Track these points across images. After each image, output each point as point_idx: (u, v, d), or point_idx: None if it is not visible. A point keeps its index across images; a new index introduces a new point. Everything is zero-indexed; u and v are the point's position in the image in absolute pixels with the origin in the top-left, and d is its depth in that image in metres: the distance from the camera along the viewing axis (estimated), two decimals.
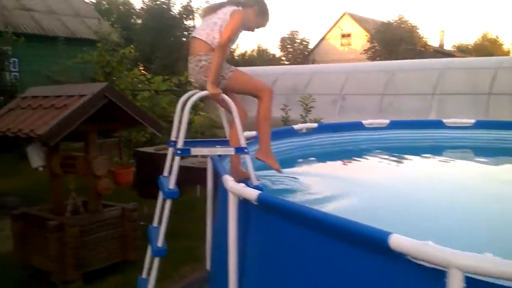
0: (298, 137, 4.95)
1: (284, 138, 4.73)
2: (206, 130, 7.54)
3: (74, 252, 4.36)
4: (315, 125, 5.12)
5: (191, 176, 6.18)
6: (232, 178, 2.34)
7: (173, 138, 3.21)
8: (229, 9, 3.26)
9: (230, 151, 3.06)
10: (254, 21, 3.39)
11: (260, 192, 1.83)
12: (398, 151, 5.22)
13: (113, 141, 9.08)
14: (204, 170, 5.55)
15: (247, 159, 2.99)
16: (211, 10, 3.36)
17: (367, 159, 5.12)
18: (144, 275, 3.49)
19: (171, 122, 3.45)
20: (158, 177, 3.27)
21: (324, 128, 5.18)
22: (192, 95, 3.19)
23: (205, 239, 4.98)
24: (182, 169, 6.18)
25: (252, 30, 3.44)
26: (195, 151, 2.97)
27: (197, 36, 3.28)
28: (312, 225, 1.74)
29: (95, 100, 4.27)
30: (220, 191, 3.02)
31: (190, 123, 8.22)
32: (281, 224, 1.92)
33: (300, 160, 4.97)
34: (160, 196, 3.19)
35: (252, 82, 3.37)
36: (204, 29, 3.27)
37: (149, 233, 3.25)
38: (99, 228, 4.64)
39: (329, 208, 2.99)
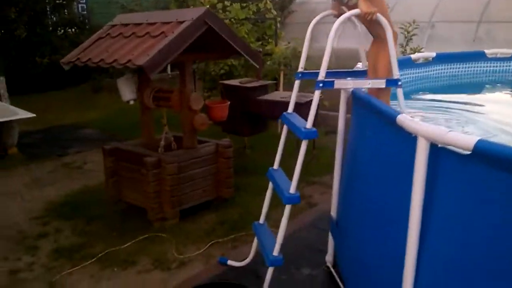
0: (414, 68, 4.40)
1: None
2: (291, 62, 7.05)
3: (171, 189, 4.19)
4: (433, 54, 4.52)
5: (275, 111, 5.82)
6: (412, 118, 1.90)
7: (300, 68, 2.81)
8: None
9: (381, 83, 2.62)
10: None
11: (478, 138, 1.40)
12: None
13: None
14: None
15: (399, 93, 2.54)
16: None
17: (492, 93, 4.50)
18: (261, 221, 3.24)
19: None
20: (282, 115, 2.91)
21: (441, 58, 4.55)
22: (323, 17, 2.73)
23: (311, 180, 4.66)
24: (266, 103, 5.88)
25: None
26: (339, 83, 2.56)
27: None
28: None
29: (195, 27, 3.88)
30: (365, 133, 2.62)
31: (270, 54, 7.76)
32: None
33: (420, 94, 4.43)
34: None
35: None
36: None
37: (271, 177, 2.95)
38: (194, 164, 4.43)
39: None
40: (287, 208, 2.75)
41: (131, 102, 4.64)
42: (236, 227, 4.29)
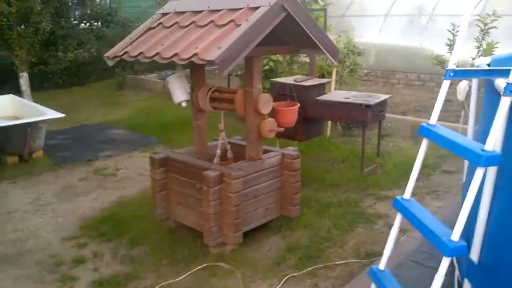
0: None
1: None
2: (346, 57, 6.31)
3: (236, 209, 3.49)
4: None
5: (337, 114, 5.11)
6: None
7: (453, 65, 2.09)
8: None
9: None
10: None
11: None
12: None
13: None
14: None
15: None
16: None
17: None
18: (382, 266, 2.50)
19: None
20: (421, 126, 2.18)
21: None
22: None
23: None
24: (328, 105, 5.15)
25: None
26: None
27: None
28: None
29: (273, 14, 3.17)
30: None
31: None
32: None
33: None
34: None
35: None
36: None
37: (404, 210, 2.20)
38: (259, 178, 3.73)
39: None
40: (445, 261, 1.85)
41: (184, 104, 3.95)
42: (310, 256, 3.57)
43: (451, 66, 2.08)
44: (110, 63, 3.77)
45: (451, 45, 5.90)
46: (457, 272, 2.80)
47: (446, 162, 5.58)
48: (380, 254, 3.48)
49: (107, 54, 3.72)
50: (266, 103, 3.56)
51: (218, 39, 3.09)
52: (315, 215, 4.23)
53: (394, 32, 10.99)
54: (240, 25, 3.13)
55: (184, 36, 3.39)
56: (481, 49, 5.69)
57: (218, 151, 3.96)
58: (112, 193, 5.02)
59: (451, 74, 2.07)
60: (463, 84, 5.93)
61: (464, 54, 6.19)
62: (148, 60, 3.42)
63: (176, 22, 3.62)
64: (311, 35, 3.44)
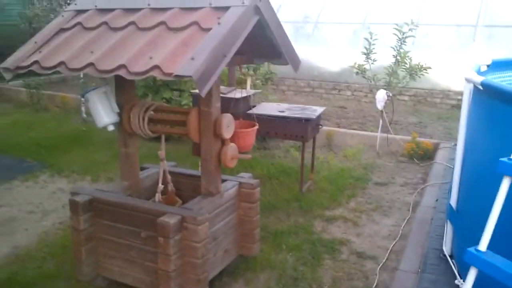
0: None
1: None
2: (260, 65, 5.84)
3: (203, 262, 2.76)
4: None
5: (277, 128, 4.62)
6: None
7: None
8: None
9: None
10: None
11: None
12: None
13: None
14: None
15: None
16: None
17: None
18: None
19: None
20: (499, 162, 1.75)
21: None
22: None
23: None
24: (262, 118, 4.63)
25: None
26: None
27: None
28: None
29: (248, 17, 2.53)
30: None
31: None
32: None
33: None
34: None
35: None
36: None
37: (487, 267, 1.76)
38: (217, 216, 3.05)
39: None
40: None
41: (111, 128, 3.07)
42: None
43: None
44: (8, 76, 2.74)
45: (367, 54, 5.83)
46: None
47: (373, 173, 5.46)
48: None
49: (5, 65, 2.68)
50: (228, 125, 2.90)
51: (182, 47, 2.36)
52: (272, 248, 3.68)
53: None
54: (207, 29, 2.43)
55: (123, 41, 2.56)
56: (398, 57, 5.71)
57: (160, 185, 3.17)
58: (2, 244, 3.83)
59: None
60: (381, 94, 5.92)
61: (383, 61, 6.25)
62: (74, 73, 2.52)
63: (104, 23, 2.76)
64: (279, 44, 2.88)
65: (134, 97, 3.19)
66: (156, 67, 2.26)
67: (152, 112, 3.04)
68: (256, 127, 3.30)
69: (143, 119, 3.02)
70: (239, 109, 4.61)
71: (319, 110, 4.67)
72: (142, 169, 3.56)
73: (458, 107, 8.63)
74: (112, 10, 2.86)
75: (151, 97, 6.45)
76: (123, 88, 3.10)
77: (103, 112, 3.01)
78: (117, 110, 3.06)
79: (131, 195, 3.22)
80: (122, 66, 2.35)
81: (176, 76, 2.18)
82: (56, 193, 4.86)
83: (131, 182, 3.27)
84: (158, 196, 3.16)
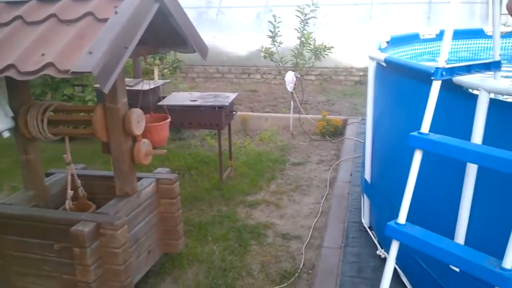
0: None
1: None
2: (167, 55, 5.63)
3: (125, 268, 2.61)
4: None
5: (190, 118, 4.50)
6: None
7: (444, 62, 1.77)
8: None
9: None
10: None
11: None
12: None
13: None
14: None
15: None
16: None
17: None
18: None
19: None
20: (410, 136, 1.81)
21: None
22: None
23: None
24: (162, 111, 4.51)
25: None
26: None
27: None
28: None
29: (147, 4, 2.38)
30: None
31: None
32: None
33: None
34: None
35: None
36: None
37: (408, 238, 1.81)
38: (137, 217, 2.90)
39: None
40: None
41: (6, 135, 2.78)
42: None
43: (441, 64, 1.77)
44: None
45: (273, 37, 5.87)
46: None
47: (289, 154, 5.56)
48: (294, 271, 3.13)
49: None
50: (139, 120, 2.74)
51: (78, 41, 2.16)
52: (198, 242, 3.59)
53: None
54: (104, 19, 2.25)
55: (10, 38, 2.30)
56: (302, 39, 5.80)
57: (70, 191, 2.94)
58: None
59: (443, 73, 1.77)
60: (289, 75, 5.99)
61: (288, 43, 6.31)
62: None
63: None
64: (184, 32, 2.76)
65: (30, 98, 2.90)
66: (50, 64, 2.05)
67: (51, 113, 2.78)
68: (169, 119, 3.16)
69: (42, 122, 2.76)
70: (148, 101, 4.41)
71: (232, 96, 4.62)
72: (48, 175, 3.29)
73: (361, 83, 9.06)
74: None
75: (51, 95, 6.00)
76: (16, 89, 2.81)
77: None
78: (11, 114, 2.76)
79: (37, 205, 2.96)
80: (11, 66, 2.10)
81: (74, 73, 1.99)
82: None
83: (37, 191, 3.00)
84: (68, 203, 2.92)
